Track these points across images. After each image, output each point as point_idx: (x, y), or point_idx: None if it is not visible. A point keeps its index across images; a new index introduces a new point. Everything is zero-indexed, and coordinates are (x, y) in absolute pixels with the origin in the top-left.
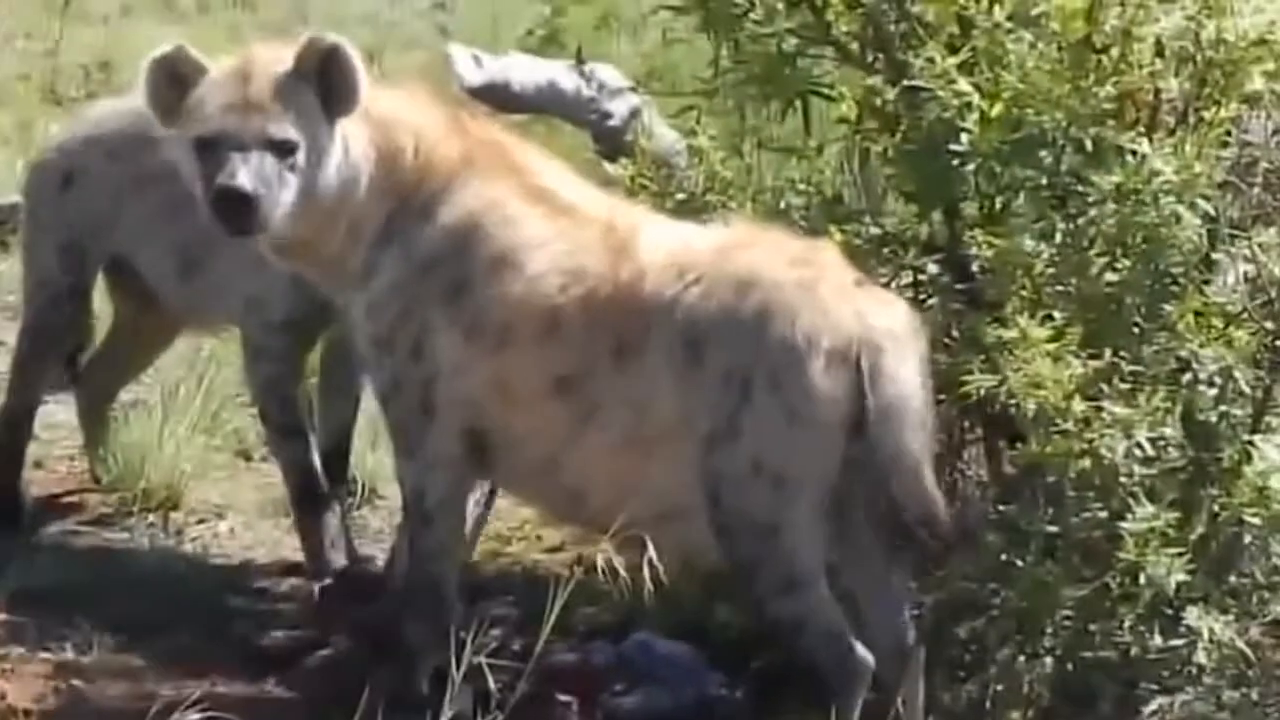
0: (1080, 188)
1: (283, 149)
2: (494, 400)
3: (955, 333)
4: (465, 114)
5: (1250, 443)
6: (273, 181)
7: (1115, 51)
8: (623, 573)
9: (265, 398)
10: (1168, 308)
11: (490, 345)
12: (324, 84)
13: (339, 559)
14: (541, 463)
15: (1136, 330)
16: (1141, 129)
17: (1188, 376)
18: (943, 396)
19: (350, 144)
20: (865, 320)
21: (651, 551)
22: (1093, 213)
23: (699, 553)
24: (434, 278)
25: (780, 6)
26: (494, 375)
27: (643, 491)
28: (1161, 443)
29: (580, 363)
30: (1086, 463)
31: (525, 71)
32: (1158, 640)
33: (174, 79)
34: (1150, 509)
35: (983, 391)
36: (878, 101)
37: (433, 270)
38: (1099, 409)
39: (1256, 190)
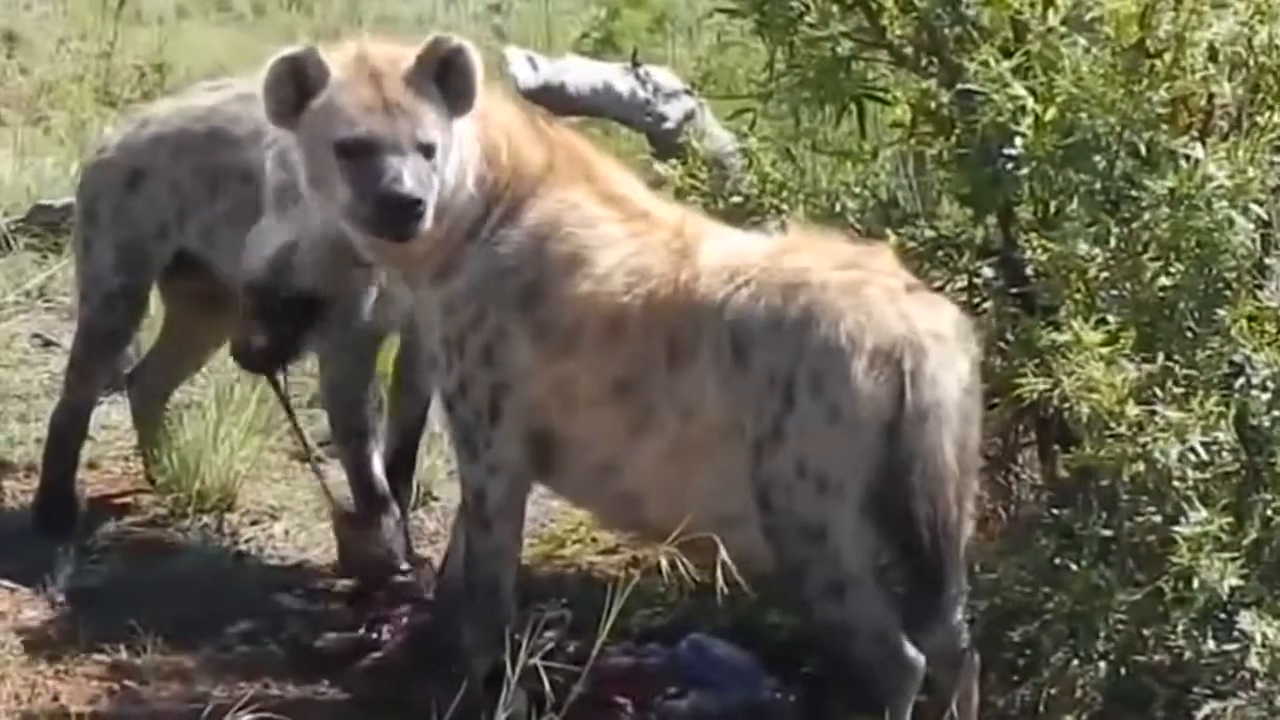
0: (1134, 192)
1: (428, 151)
2: (556, 404)
3: (1009, 336)
4: (539, 117)
5: None
6: (429, 185)
7: (1169, 56)
8: (684, 572)
9: (329, 399)
10: (1221, 312)
11: (557, 348)
12: (443, 84)
13: (397, 561)
14: (598, 468)
15: (1190, 335)
16: (1195, 134)
17: (1241, 381)
18: (997, 400)
19: (463, 141)
20: (911, 322)
21: (721, 553)
22: (1146, 217)
23: (756, 558)
24: (511, 282)
25: (835, 10)
26: (558, 378)
27: (698, 497)
28: (1215, 447)
29: (638, 366)
30: (1140, 467)
31: (580, 74)
32: (1211, 645)
33: (298, 80)
34: (1204, 513)
35: (1036, 395)
36: (932, 105)
37: (510, 274)
38: (1152, 413)
39: None
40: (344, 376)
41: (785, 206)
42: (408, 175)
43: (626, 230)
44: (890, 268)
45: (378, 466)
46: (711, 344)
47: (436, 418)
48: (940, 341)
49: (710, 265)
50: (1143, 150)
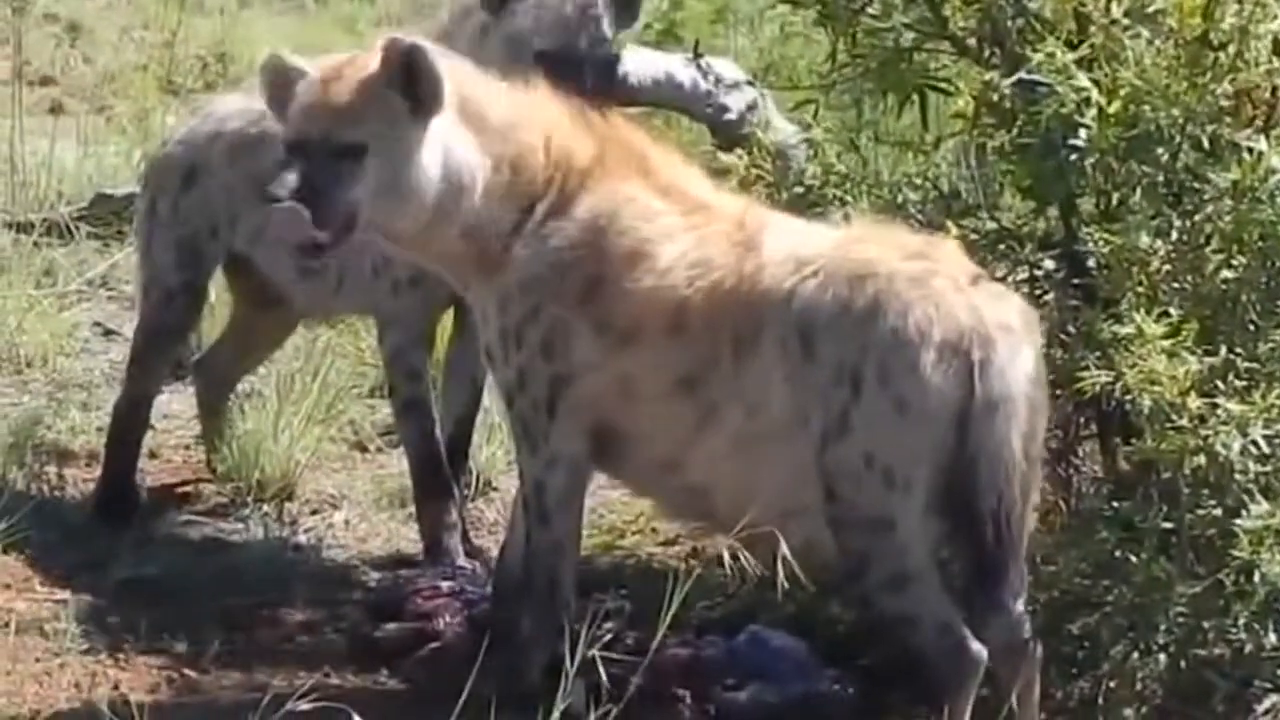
0: (1196, 184)
1: (352, 151)
2: (619, 399)
3: (1071, 328)
4: (591, 110)
5: None
6: (327, 186)
7: (1232, 49)
8: (744, 564)
9: (390, 367)
10: None
11: (619, 342)
12: (408, 85)
13: (456, 547)
14: (663, 461)
15: (1252, 327)
16: (1258, 126)
17: None
18: (1058, 392)
19: (453, 147)
20: (979, 313)
21: (782, 547)
22: (1209, 209)
23: (819, 549)
24: (570, 276)
25: (897, 1)
26: (621, 373)
27: (764, 489)
28: (1276, 440)
29: (702, 359)
30: (1201, 459)
31: (642, 65)
32: (1272, 638)
33: (282, 82)
34: (1265, 506)
35: (1098, 387)
36: (994, 97)
37: (569, 268)
38: (1214, 405)
39: None
40: (406, 343)
41: (849, 198)
42: (290, 177)
43: (686, 223)
44: (956, 259)
45: (438, 443)
46: (778, 336)
47: (495, 408)
48: (1008, 333)
49: (775, 256)
50: (1206, 143)
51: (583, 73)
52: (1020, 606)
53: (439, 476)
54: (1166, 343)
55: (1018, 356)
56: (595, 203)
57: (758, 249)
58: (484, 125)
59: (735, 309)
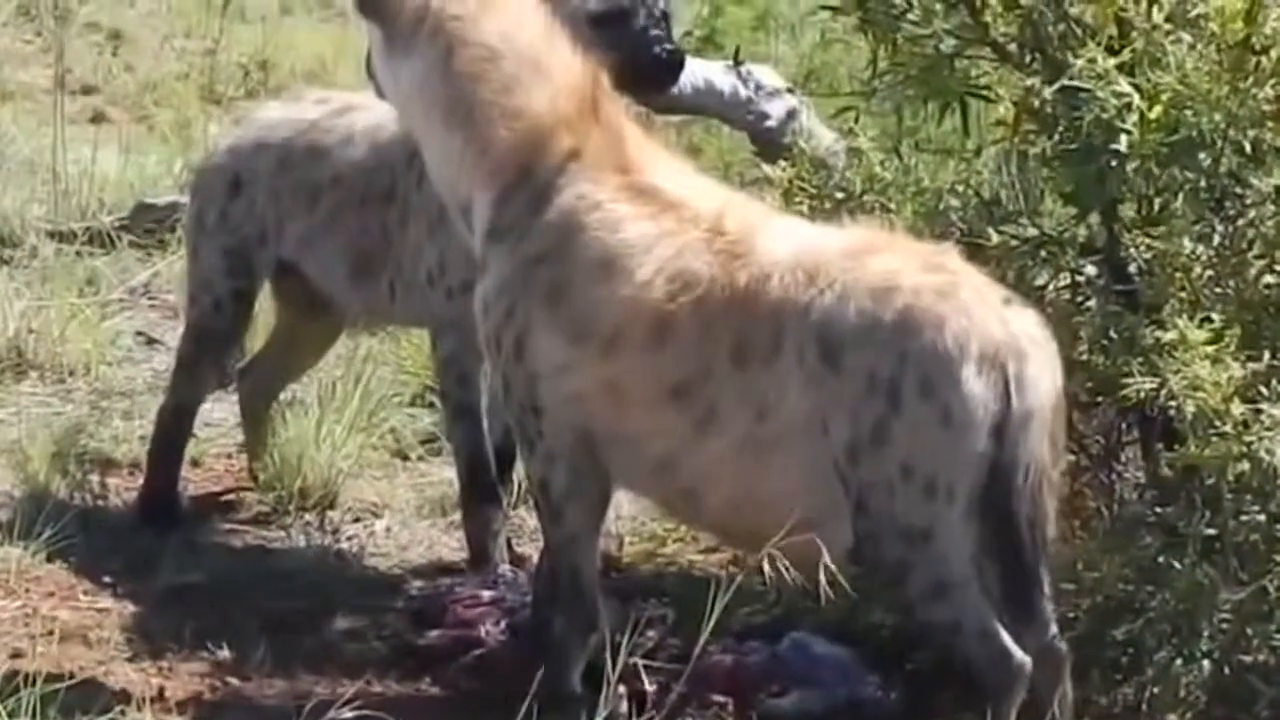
0: (1239, 189)
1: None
2: (604, 403)
3: (1113, 334)
4: (592, 103)
5: None
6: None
7: (1274, 53)
8: (784, 569)
9: (442, 373)
10: None
11: (597, 350)
12: None
13: (501, 554)
14: (656, 464)
15: None
16: None
17: None
18: (1100, 398)
19: (413, 72)
20: (1008, 326)
21: (824, 555)
22: (1251, 214)
23: (830, 558)
24: (537, 275)
25: (938, 7)
26: (604, 380)
27: (763, 495)
28: None
29: (695, 367)
30: (1245, 465)
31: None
32: None
33: None
34: None
35: (1141, 393)
36: (1035, 103)
37: (535, 269)
38: (1258, 411)
39: None
40: (460, 349)
41: (892, 205)
42: None
43: (657, 229)
44: (968, 268)
45: (487, 450)
46: (795, 345)
47: None
48: (1035, 344)
49: (781, 264)
50: (1248, 148)
51: (634, 28)
52: (1050, 612)
53: (487, 483)
54: (1209, 348)
55: (1045, 367)
56: (562, 204)
57: (753, 257)
58: (449, 71)
59: (735, 320)
